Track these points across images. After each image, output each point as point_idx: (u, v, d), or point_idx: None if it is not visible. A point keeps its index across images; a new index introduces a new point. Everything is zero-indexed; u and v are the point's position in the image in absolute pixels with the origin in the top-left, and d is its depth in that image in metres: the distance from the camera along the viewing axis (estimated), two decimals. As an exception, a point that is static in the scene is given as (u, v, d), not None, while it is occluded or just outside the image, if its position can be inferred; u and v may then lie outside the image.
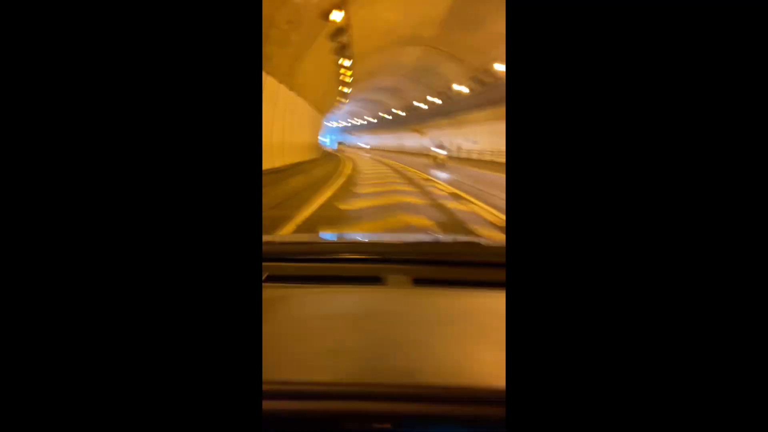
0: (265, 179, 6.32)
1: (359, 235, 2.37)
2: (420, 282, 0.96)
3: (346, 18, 11.74)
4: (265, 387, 0.49)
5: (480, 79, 19.56)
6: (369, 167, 16.98)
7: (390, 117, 41.04)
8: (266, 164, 10.56)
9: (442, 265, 1.07)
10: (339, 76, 18.63)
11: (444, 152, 19.68)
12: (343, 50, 14.25)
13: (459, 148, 25.71)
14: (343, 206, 6.69)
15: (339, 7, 10.91)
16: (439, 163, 18.68)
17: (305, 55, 12.94)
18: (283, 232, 4.47)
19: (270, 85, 10.85)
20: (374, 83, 28.74)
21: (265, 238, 1.14)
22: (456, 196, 8.18)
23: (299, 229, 4.80)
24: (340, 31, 12.50)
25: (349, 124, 60.32)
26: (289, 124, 14.35)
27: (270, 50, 9.77)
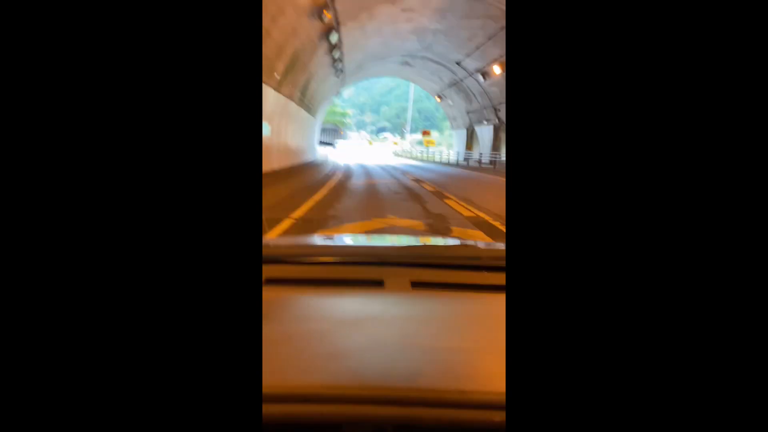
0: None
1: (358, 238, 2.39)
2: (418, 285, 0.98)
3: None
4: (264, 390, 0.50)
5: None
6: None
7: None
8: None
9: (440, 268, 1.09)
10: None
11: None
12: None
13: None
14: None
15: None
16: None
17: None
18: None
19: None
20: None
21: (265, 240, 1.16)
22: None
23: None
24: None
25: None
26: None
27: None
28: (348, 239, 2.06)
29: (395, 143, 54.62)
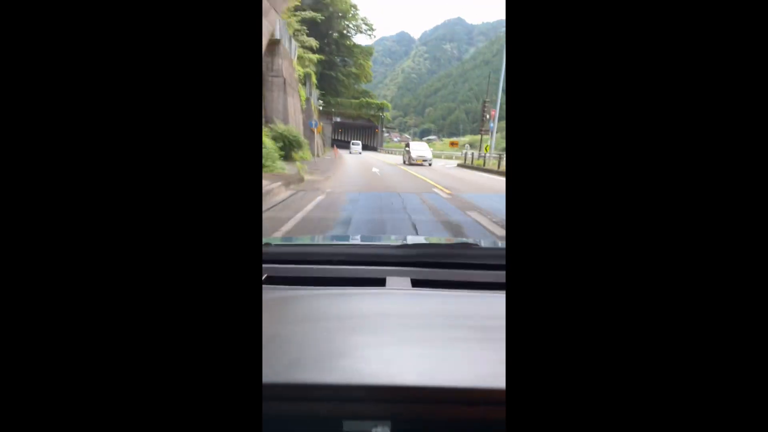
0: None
1: (358, 238, 1.93)
2: (419, 284, 0.97)
3: None
4: (264, 389, 0.50)
5: None
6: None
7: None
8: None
9: (440, 267, 1.08)
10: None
11: None
12: None
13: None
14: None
15: None
16: None
17: None
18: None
19: None
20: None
21: (265, 240, 1.16)
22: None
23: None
24: None
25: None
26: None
27: None
28: (349, 239, 1.93)
29: (453, 143, 39.17)
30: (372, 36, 44.26)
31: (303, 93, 19.16)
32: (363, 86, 47.26)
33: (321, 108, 34.39)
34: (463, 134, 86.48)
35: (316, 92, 27.01)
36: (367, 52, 42.48)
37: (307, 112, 19.61)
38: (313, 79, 20.95)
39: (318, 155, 20.87)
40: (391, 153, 40.45)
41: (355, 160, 21.19)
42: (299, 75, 19.14)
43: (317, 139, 21.09)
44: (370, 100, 45.82)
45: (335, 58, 39.30)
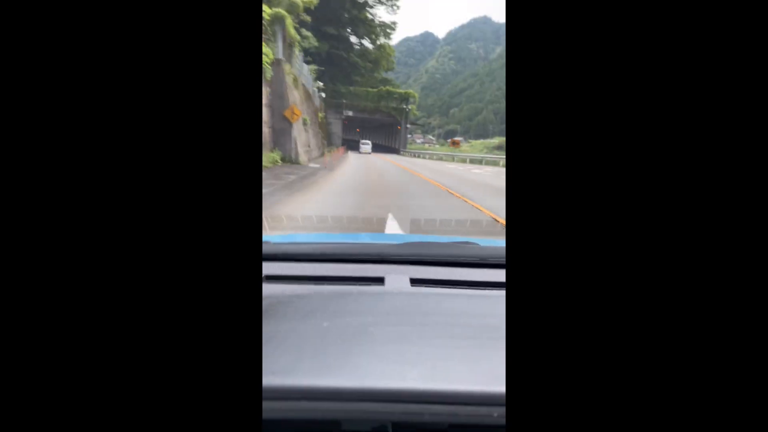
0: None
1: (357, 236, 2.07)
2: (418, 282, 0.97)
3: None
4: (264, 387, 0.51)
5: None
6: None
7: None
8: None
9: (439, 265, 1.08)
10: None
11: None
12: None
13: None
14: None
15: None
16: None
17: None
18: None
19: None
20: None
21: (265, 238, 1.19)
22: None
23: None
24: None
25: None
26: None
27: None
28: (348, 237, 1.84)
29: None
30: (394, 9, 35.56)
31: (269, 51, 10.79)
32: (383, 75, 38.80)
33: (323, 95, 26.07)
34: (492, 136, 77.73)
35: (308, 68, 18.54)
36: (387, 27, 34.03)
37: (274, 86, 11.15)
38: (291, 30, 12.51)
39: (298, 161, 12.32)
40: (417, 157, 30.55)
41: (358, 170, 12.66)
42: (264, 17, 10.69)
43: (295, 133, 12.53)
44: (391, 89, 37.13)
45: (348, 33, 31.03)
